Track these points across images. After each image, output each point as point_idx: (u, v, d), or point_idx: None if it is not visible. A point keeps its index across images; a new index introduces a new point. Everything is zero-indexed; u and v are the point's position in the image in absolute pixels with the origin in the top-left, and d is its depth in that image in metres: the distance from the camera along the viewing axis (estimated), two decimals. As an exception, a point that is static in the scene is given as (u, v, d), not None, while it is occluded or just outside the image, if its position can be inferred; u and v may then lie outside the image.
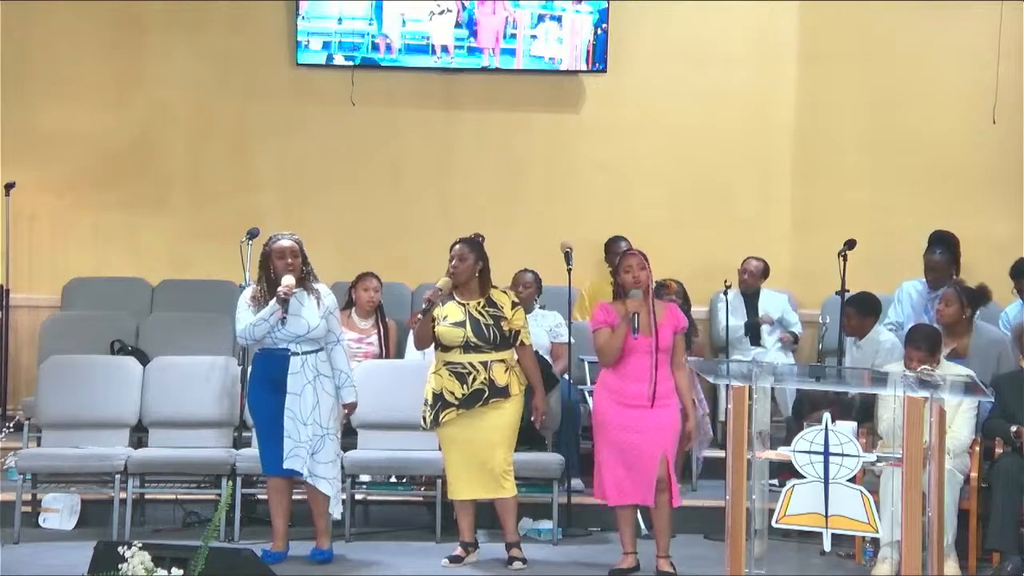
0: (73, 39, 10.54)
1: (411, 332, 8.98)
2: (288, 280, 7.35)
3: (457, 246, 7.57)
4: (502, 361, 7.44)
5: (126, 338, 9.43)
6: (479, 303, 7.48)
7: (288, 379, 7.38)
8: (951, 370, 7.41)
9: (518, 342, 7.52)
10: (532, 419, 7.64)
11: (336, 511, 7.50)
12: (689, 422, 7.24)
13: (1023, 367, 8.12)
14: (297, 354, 7.41)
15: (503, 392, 7.41)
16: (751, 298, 9.93)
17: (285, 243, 7.47)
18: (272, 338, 7.41)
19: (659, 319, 7.21)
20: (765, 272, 10.00)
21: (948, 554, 7.12)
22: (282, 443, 7.37)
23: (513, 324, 7.49)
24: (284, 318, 7.35)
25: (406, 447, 8.22)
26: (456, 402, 7.39)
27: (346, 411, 7.59)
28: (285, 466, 7.38)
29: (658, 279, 8.07)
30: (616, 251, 10.09)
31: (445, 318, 7.44)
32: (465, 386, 7.38)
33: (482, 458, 7.39)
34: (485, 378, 7.39)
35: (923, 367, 7.18)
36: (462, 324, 7.42)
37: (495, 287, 7.63)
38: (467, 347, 7.41)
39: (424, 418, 7.53)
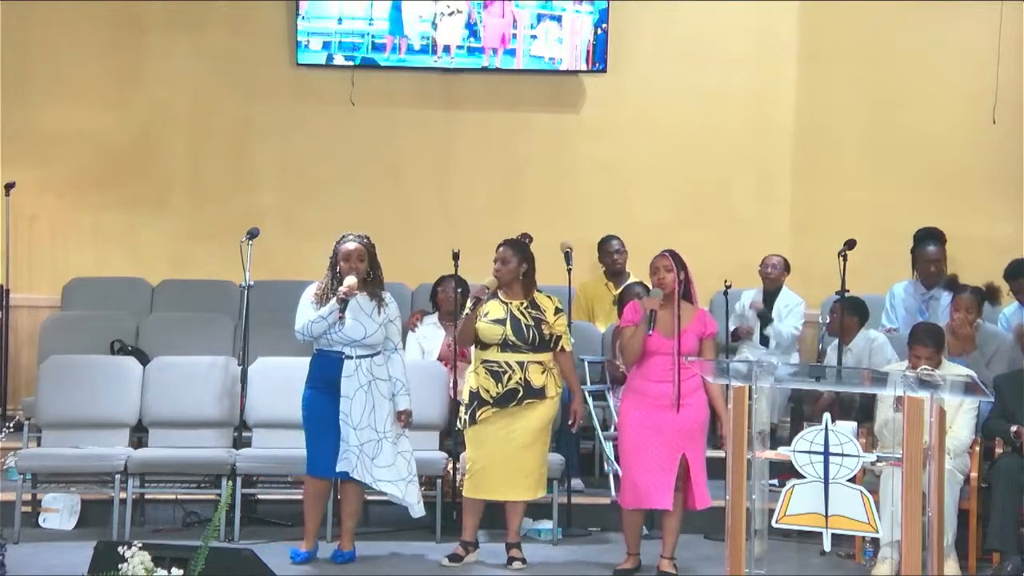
0: (73, 39, 10.54)
1: (410, 332, 9.06)
2: (350, 280, 7.32)
3: (501, 248, 7.59)
4: (539, 363, 7.44)
5: (126, 338, 9.43)
6: (522, 303, 7.49)
7: (342, 382, 7.36)
8: (951, 370, 7.42)
9: (559, 347, 7.52)
10: (569, 423, 7.67)
11: (415, 511, 7.51)
12: (724, 426, 7.10)
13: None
14: (351, 357, 7.38)
15: (539, 393, 7.41)
16: (772, 296, 9.84)
17: (351, 246, 7.44)
18: (328, 339, 7.38)
19: (686, 323, 7.18)
20: (787, 267, 9.90)
21: (948, 554, 7.12)
22: (331, 445, 7.36)
23: (555, 329, 7.49)
24: (342, 319, 7.32)
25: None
26: (491, 400, 7.39)
27: (402, 419, 7.52)
28: (338, 468, 7.37)
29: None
30: (608, 250, 10.11)
31: (486, 315, 7.46)
32: (500, 384, 7.38)
33: (514, 458, 7.39)
34: (520, 378, 7.38)
35: (923, 367, 7.18)
36: (502, 322, 7.42)
37: (539, 291, 7.63)
38: (505, 345, 7.41)
39: (461, 418, 7.54)
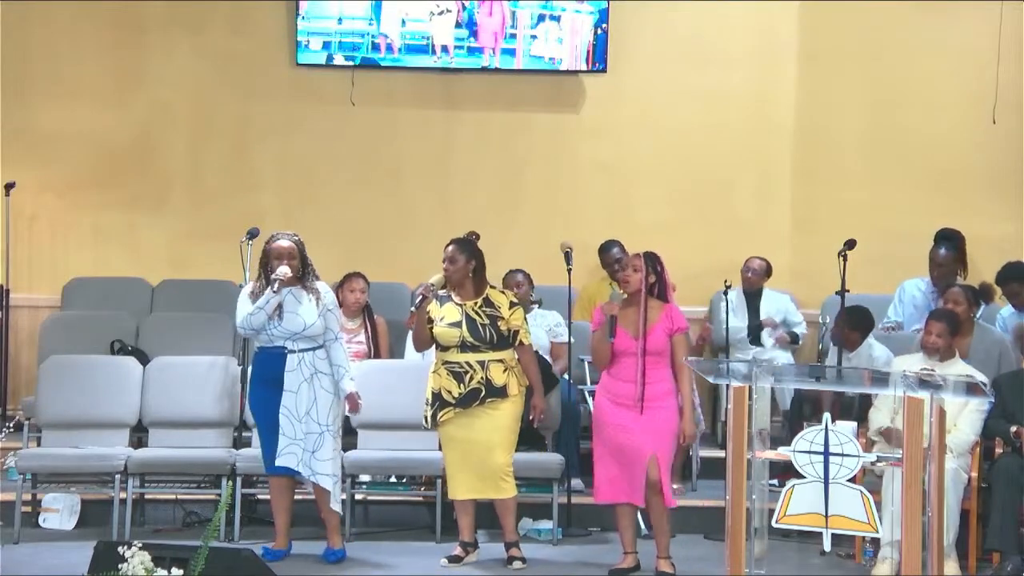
0: (73, 39, 10.53)
1: (409, 332, 9.05)
2: (283, 269, 7.38)
3: (449, 247, 7.58)
4: (500, 361, 7.44)
5: (126, 338, 9.43)
6: (476, 303, 7.49)
7: (285, 376, 7.40)
8: (954, 369, 7.42)
9: (517, 342, 7.52)
10: (531, 418, 7.63)
11: (336, 506, 7.50)
12: (684, 423, 7.18)
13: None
14: (294, 352, 7.42)
15: (501, 392, 7.41)
16: (753, 297, 9.90)
17: (283, 244, 7.49)
18: (268, 335, 7.43)
19: (653, 321, 7.19)
20: (768, 271, 9.96)
21: (948, 554, 7.12)
22: (277, 441, 7.39)
23: (511, 323, 7.49)
24: (280, 312, 7.37)
25: (406, 447, 8.23)
26: (453, 401, 7.39)
27: (349, 403, 7.54)
28: (278, 463, 7.40)
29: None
30: (609, 258, 10.08)
31: (442, 319, 7.45)
32: (462, 385, 7.39)
33: (480, 458, 7.39)
34: (482, 377, 7.39)
35: (924, 369, 7.18)
36: (458, 324, 7.42)
37: (493, 287, 7.63)
38: (464, 347, 7.42)
39: (425, 417, 7.54)
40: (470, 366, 7.40)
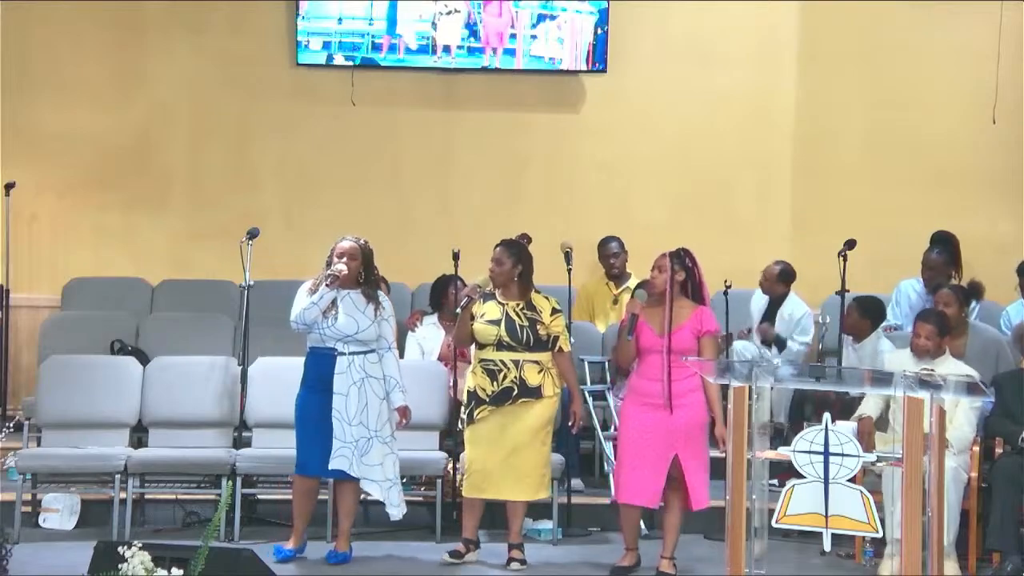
0: (73, 39, 10.54)
1: (410, 332, 9.06)
2: (339, 266, 7.36)
3: (497, 248, 7.59)
4: (535, 362, 7.43)
5: (126, 338, 9.42)
6: (518, 304, 7.49)
7: (334, 379, 7.37)
8: (953, 369, 7.41)
9: (557, 348, 7.51)
10: (569, 424, 7.65)
11: (396, 512, 7.48)
12: (718, 427, 7.08)
13: (1023, 367, 8.12)
14: (344, 354, 7.39)
15: (534, 392, 7.40)
16: (774, 303, 9.71)
17: (346, 244, 7.49)
18: (320, 335, 7.39)
19: (682, 320, 7.16)
20: (780, 277, 9.61)
21: (948, 554, 7.11)
22: (322, 444, 7.36)
23: (551, 329, 7.49)
24: (336, 313, 7.35)
25: (406, 447, 8.21)
26: (487, 399, 7.39)
27: (400, 417, 7.51)
28: (331, 466, 7.36)
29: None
30: (607, 251, 10.09)
31: (483, 316, 7.47)
32: (496, 383, 7.38)
33: (511, 458, 7.38)
34: (516, 376, 7.38)
35: (923, 367, 7.18)
36: (497, 323, 7.43)
37: (538, 292, 7.62)
38: (500, 345, 7.42)
39: (461, 419, 7.56)
40: (504, 364, 7.40)
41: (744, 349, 9.42)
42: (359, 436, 7.36)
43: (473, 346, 7.57)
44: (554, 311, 7.53)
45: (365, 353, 7.42)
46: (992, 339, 8.54)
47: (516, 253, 7.57)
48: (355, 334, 7.39)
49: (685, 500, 7.18)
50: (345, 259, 7.43)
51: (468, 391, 7.49)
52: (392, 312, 7.60)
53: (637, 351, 7.21)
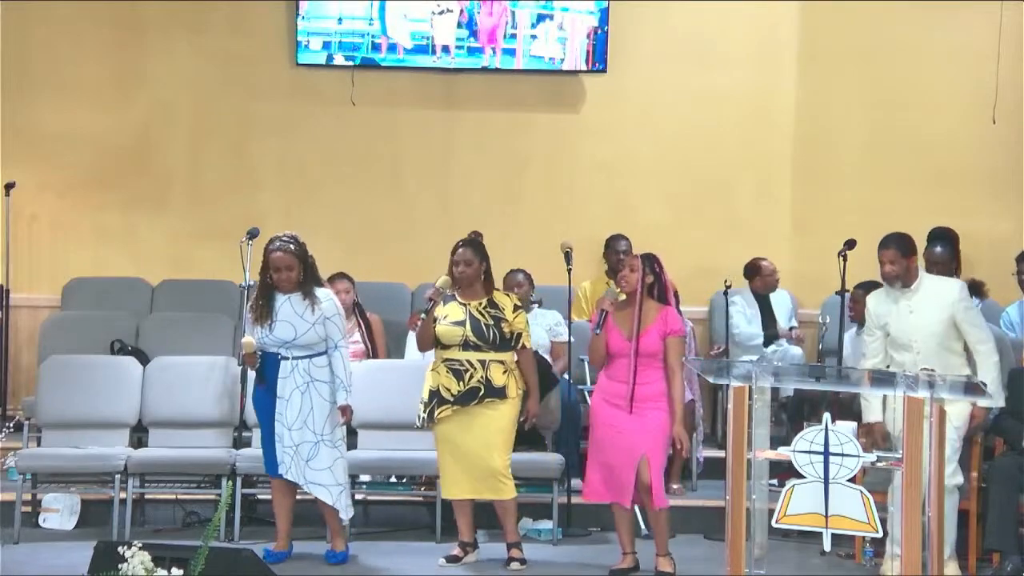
0: (73, 39, 10.54)
1: (410, 332, 9.05)
2: (246, 339, 7.35)
3: (460, 249, 7.56)
4: (501, 362, 7.44)
5: (126, 338, 9.43)
6: (481, 303, 7.50)
7: (278, 383, 7.37)
8: (924, 287, 7.28)
9: (519, 345, 7.52)
10: (522, 420, 7.60)
11: (344, 515, 7.48)
12: (675, 427, 7.13)
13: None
14: (287, 359, 7.38)
15: (499, 393, 7.41)
16: (765, 300, 9.80)
17: (277, 255, 7.37)
18: (262, 343, 7.40)
19: (649, 322, 7.19)
20: (745, 272, 9.92)
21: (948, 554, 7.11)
22: (274, 444, 7.39)
23: (514, 327, 7.49)
24: (273, 321, 7.32)
25: (406, 447, 8.22)
26: (452, 399, 7.39)
27: (341, 415, 7.47)
28: (279, 471, 7.39)
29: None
30: (615, 249, 10.08)
31: (446, 317, 7.46)
32: (462, 383, 7.38)
33: (477, 458, 7.38)
34: (482, 376, 7.39)
35: (924, 369, 7.15)
36: (462, 323, 7.43)
37: (498, 289, 7.64)
38: (466, 345, 7.42)
39: (419, 416, 7.52)
40: (471, 364, 7.40)
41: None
42: (302, 440, 7.33)
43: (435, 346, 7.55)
44: (516, 308, 7.55)
45: (311, 357, 7.38)
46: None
47: (480, 252, 7.58)
48: (293, 340, 7.35)
49: (651, 499, 7.18)
50: (284, 279, 7.33)
51: (430, 390, 7.46)
52: (337, 310, 7.48)
53: (607, 353, 7.24)
